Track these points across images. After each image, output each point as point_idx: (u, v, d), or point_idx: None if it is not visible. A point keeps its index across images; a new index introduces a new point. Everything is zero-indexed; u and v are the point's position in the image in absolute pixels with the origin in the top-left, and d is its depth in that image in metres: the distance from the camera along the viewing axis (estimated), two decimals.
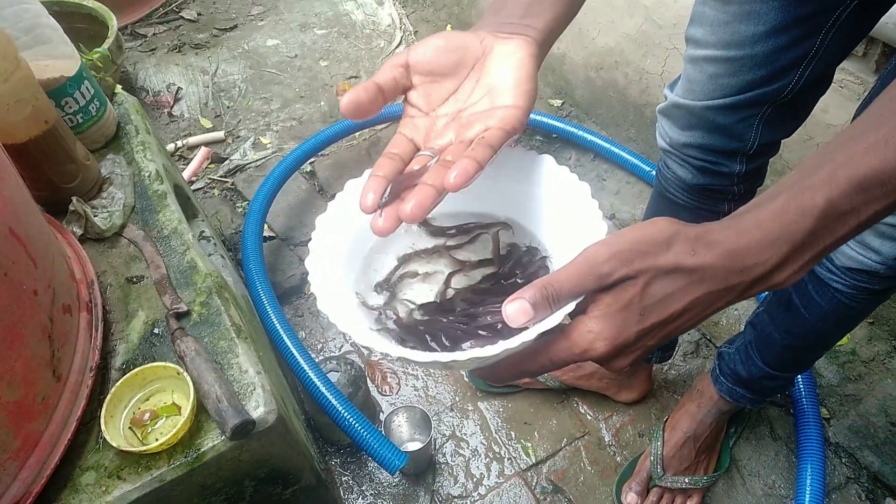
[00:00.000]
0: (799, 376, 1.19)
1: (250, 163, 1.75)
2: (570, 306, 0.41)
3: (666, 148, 0.88)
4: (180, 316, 0.81)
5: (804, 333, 0.91)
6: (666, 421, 1.17)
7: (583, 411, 1.27)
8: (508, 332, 0.42)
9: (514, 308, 0.40)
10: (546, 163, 0.53)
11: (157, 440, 0.67)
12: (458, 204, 0.56)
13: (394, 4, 2.28)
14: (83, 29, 1.63)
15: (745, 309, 1.41)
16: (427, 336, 0.52)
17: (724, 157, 0.83)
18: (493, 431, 1.24)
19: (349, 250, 0.54)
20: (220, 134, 1.82)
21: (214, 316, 0.81)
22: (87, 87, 0.97)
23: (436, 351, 0.50)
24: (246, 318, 0.92)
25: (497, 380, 0.46)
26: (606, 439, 1.24)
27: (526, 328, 0.41)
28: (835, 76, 0.78)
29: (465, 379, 1.31)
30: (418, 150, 0.49)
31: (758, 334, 0.98)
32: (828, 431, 1.22)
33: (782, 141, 0.84)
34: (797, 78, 0.74)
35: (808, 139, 0.86)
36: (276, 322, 1.18)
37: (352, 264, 0.54)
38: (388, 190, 0.46)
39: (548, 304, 0.40)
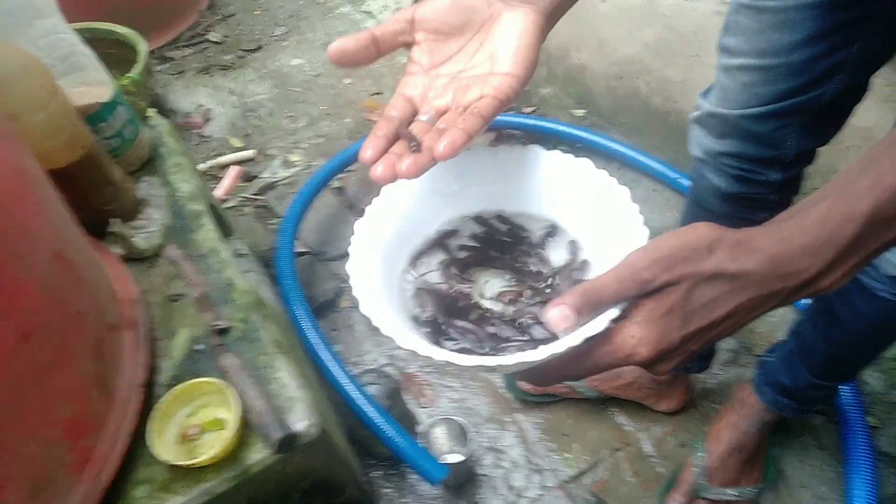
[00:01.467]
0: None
1: (280, 180, 1.77)
2: (615, 311, 0.41)
3: (701, 157, 0.86)
4: (221, 332, 0.82)
5: (849, 343, 0.89)
6: (708, 432, 1.14)
7: (621, 422, 1.25)
8: (549, 336, 0.42)
9: (556, 314, 0.40)
10: (585, 166, 0.54)
11: (204, 454, 0.67)
12: (502, 203, 0.58)
13: None
14: (113, 54, 1.66)
15: (781, 316, 1.39)
16: (464, 338, 0.52)
17: (761, 166, 0.82)
18: (532, 443, 1.23)
19: (390, 251, 0.54)
20: (249, 153, 1.84)
21: (254, 332, 0.82)
22: (121, 112, 0.99)
23: (479, 355, 0.50)
24: (284, 333, 0.92)
25: (540, 382, 0.47)
26: (647, 450, 1.22)
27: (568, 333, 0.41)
28: None
29: (500, 391, 1.30)
30: (416, 110, 0.51)
31: (801, 344, 0.96)
32: (877, 441, 1.19)
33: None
34: (834, 86, 0.72)
35: (838, 142, 0.85)
36: (313, 336, 1.18)
37: (393, 267, 0.55)
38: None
39: (589, 310, 0.41)
